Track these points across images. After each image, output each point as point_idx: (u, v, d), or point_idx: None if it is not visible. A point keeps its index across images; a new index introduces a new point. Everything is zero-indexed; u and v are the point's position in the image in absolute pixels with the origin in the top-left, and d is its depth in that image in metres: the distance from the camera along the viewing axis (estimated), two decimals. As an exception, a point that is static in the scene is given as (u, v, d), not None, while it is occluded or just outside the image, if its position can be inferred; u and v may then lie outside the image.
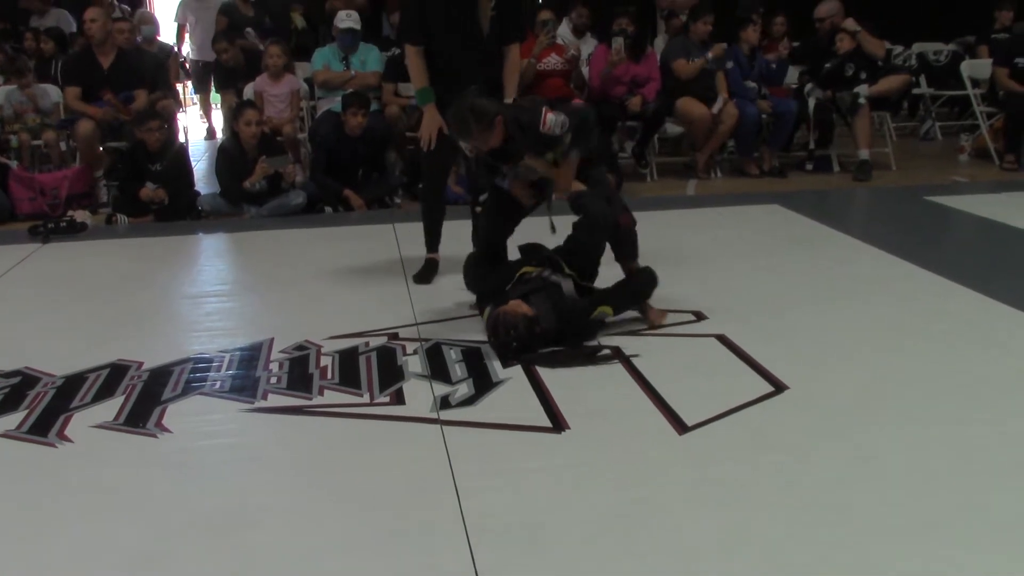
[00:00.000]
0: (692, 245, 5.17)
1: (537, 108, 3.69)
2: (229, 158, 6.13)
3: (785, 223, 5.70)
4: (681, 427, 2.87)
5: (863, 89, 7.24)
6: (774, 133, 7.49)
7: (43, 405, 3.17)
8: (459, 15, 4.34)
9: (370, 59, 7.07)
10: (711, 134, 7.27)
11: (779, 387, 3.16)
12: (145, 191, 6.12)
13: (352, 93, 6.50)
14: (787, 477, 2.56)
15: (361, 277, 4.58)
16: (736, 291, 4.26)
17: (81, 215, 6.09)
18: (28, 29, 8.43)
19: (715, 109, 7.15)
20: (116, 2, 9.76)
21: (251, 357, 3.56)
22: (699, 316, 3.90)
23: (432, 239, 4.71)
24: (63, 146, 6.93)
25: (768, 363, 3.35)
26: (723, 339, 3.63)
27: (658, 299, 4.08)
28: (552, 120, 3.64)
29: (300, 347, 3.65)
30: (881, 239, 5.07)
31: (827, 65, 7.51)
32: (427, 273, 4.61)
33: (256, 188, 6.05)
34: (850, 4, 7.83)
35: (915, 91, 8.85)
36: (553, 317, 3.57)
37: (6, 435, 2.96)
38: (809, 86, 7.51)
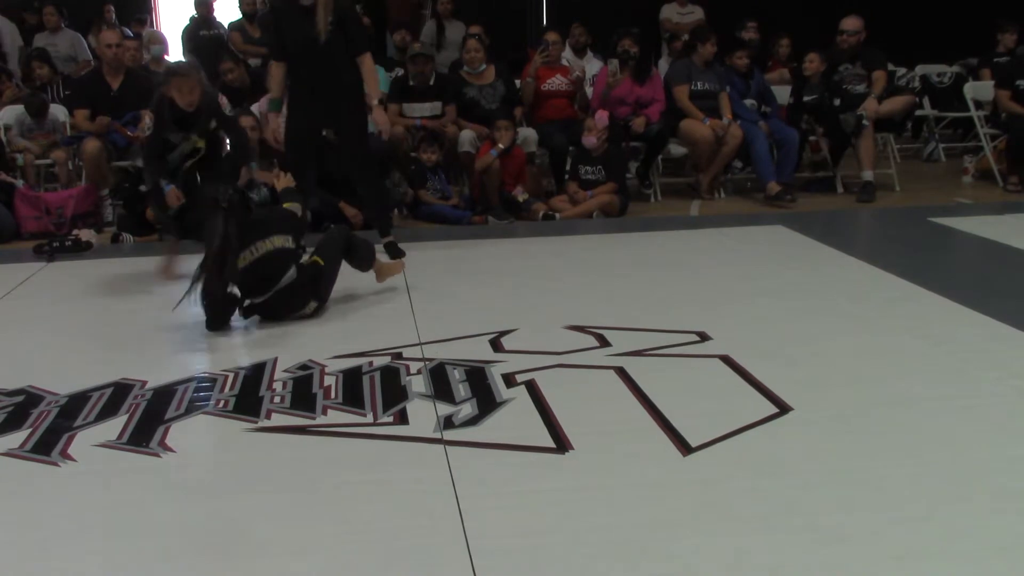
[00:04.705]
0: (695, 266, 5.18)
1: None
2: None
3: (789, 244, 5.70)
4: (685, 448, 2.87)
5: (866, 111, 7.26)
6: (780, 163, 7.41)
7: (46, 424, 3.16)
8: (303, 31, 5.04)
9: (375, 79, 7.10)
10: (715, 155, 7.29)
11: (783, 408, 3.16)
12: (171, 196, 6.12)
13: None
14: (791, 499, 2.55)
15: (364, 296, 4.59)
16: (740, 312, 4.26)
17: (86, 234, 6.10)
18: (34, 50, 8.46)
19: (724, 122, 7.14)
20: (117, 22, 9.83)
21: (255, 376, 3.56)
22: (703, 337, 3.90)
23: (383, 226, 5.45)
24: (70, 165, 6.96)
25: (772, 384, 3.35)
26: (727, 360, 3.62)
27: (661, 318, 4.09)
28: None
29: (304, 367, 3.65)
30: (885, 260, 5.07)
31: (806, 98, 7.54)
32: (395, 255, 5.27)
33: (258, 198, 6.06)
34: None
35: (918, 112, 8.87)
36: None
37: (9, 454, 2.96)
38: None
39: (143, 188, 4.84)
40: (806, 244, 5.66)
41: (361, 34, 5.32)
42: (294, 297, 4.20)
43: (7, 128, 7.01)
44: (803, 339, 3.88)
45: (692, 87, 7.35)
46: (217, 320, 4.12)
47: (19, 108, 7.09)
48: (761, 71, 8.03)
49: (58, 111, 7.16)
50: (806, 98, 7.59)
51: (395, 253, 5.33)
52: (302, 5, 5.07)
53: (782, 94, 7.89)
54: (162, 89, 4.77)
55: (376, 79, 5.30)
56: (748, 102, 7.50)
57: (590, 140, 6.75)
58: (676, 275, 4.98)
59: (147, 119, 4.67)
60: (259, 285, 4.15)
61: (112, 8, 10.03)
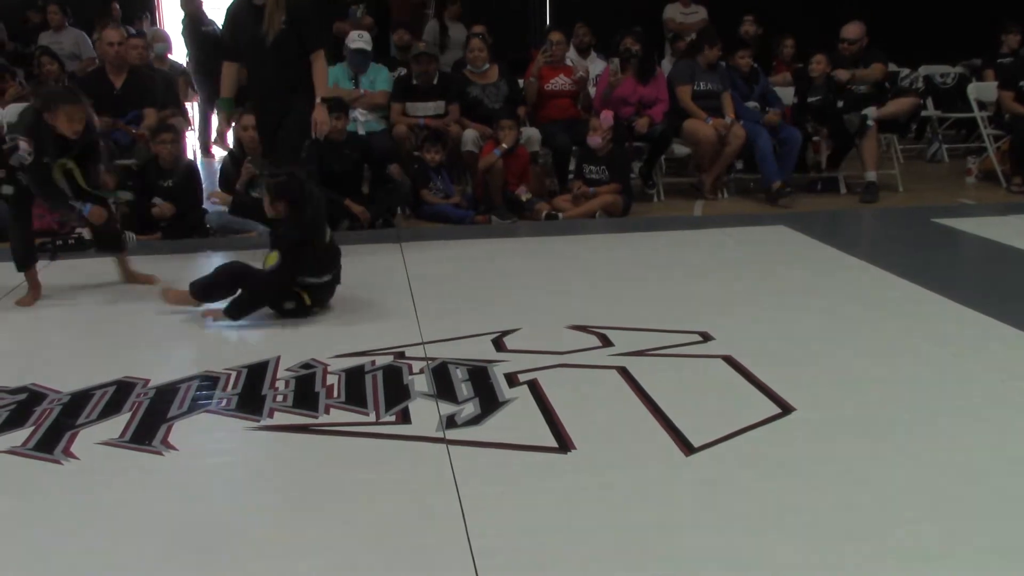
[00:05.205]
0: (698, 266, 5.18)
1: None
2: (232, 163, 6.26)
3: (792, 244, 5.70)
4: (688, 448, 2.87)
5: (871, 111, 7.26)
6: (782, 161, 7.42)
7: (49, 422, 3.17)
8: (252, 31, 5.11)
9: (379, 79, 7.11)
10: (718, 155, 7.28)
11: (786, 409, 3.15)
12: (158, 209, 6.14)
13: (331, 98, 6.57)
14: (793, 500, 2.55)
15: (367, 295, 4.59)
16: (743, 312, 4.26)
17: (89, 232, 6.09)
18: (37, 47, 8.47)
19: (726, 121, 7.14)
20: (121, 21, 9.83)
21: (257, 375, 3.57)
22: (705, 337, 3.90)
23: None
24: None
25: (774, 384, 3.34)
26: (729, 360, 3.62)
27: (663, 318, 4.09)
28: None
29: (306, 365, 3.65)
30: (888, 260, 5.06)
31: (810, 99, 7.54)
32: None
33: (256, 194, 6.07)
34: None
35: (922, 113, 8.87)
36: None
37: (12, 451, 2.96)
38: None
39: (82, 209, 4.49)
40: (809, 244, 5.65)
41: (314, 32, 5.28)
42: (335, 284, 4.39)
43: (10, 126, 7.00)
44: (805, 339, 3.88)
45: (695, 87, 7.34)
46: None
47: (21, 105, 7.08)
48: (766, 73, 8.02)
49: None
50: (810, 99, 7.59)
51: None
52: (255, 5, 5.09)
53: (786, 95, 7.89)
54: (45, 114, 4.38)
55: (325, 78, 5.29)
56: (751, 104, 7.50)
57: (595, 140, 6.75)
58: (679, 275, 4.98)
59: (23, 144, 4.27)
60: (331, 263, 4.31)
61: (118, 6, 10.04)
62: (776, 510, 2.50)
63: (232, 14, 5.32)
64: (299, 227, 4.17)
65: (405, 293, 4.66)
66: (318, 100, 5.20)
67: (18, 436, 3.06)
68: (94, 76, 7.06)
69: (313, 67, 5.19)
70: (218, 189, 6.31)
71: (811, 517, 2.46)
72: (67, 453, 2.94)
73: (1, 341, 4.14)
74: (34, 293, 4.65)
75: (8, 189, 4.52)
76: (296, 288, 4.21)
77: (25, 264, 4.63)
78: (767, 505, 2.53)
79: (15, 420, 3.19)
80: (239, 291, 4.20)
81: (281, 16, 5.05)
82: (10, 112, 7.05)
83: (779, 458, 2.80)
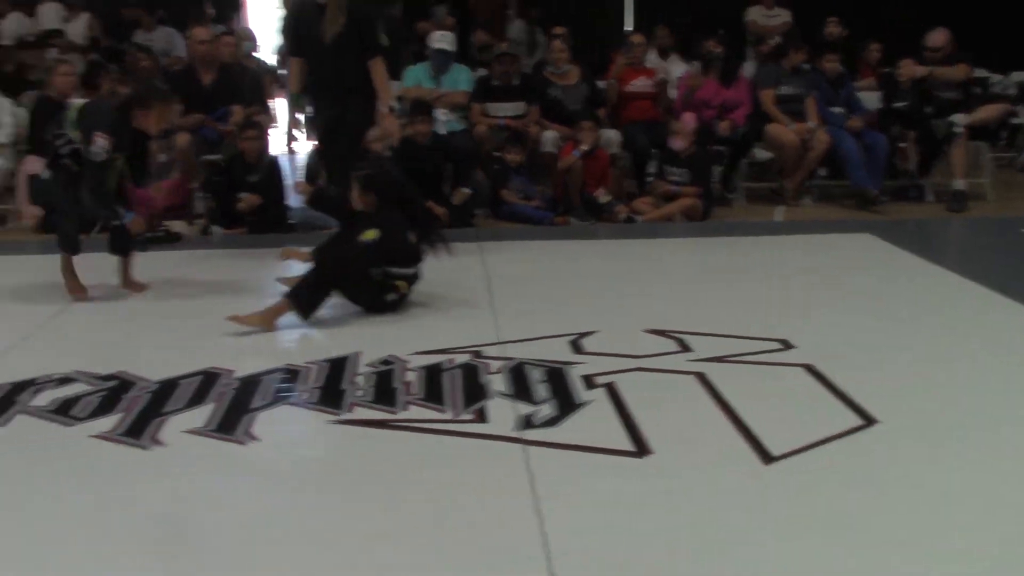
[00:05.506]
0: (779, 272, 5.11)
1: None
2: (317, 157, 6.38)
3: (876, 253, 5.59)
4: (766, 457, 2.83)
5: (959, 118, 7.08)
6: (869, 169, 7.23)
7: (138, 409, 3.26)
8: (313, 29, 5.14)
9: (461, 79, 7.15)
10: (801, 160, 7.18)
11: (869, 420, 3.10)
12: (244, 202, 6.27)
13: (415, 103, 6.65)
14: (874, 512, 2.51)
15: (446, 294, 4.62)
16: (824, 321, 4.19)
17: (178, 225, 6.27)
18: (132, 44, 8.71)
19: (810, 125, 7.04)
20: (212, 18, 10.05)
21: (338, 370, 3.62)
22: (786, 345, 3.85)
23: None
24: (163, 157, 7.13)
25: (857, 395, 3.28)
26: (810, 369, 3.57)
27: (743, 324, 4.05)
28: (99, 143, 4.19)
29: (386, 361, 3.70)
30: (975, 271, 4.93)
31: (896, 105, 7.38)
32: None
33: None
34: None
35: (1014, 120, 8.61)
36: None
37: (102, 436, 3.05)
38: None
39: (115, 223, 4.46)
40: (894, 253, 5.54)
41: (373, 37, 5.31)
42: (419, 278, 4.49)
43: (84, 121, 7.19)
44: (889, 350, 3.80)
45: (778, 91, 7.25)
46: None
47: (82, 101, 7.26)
48: (852, 78, 7.87)
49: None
50: (896, 104, 7.43)
51: None
52: (318, 3, 5.13)
53: (870, 100, 7.74)
54: (137, 110, 4.39)
55: (387, 85, 5.28)
56: (836, 109, 7.37)
57: (678, 143, 6.70)
58: (759, 281, 4.92)
59: (102, 140, 4.20)
60: (417, 256, 4.42)
61: (211, 4, 10.26)
62: (856, 522, 2.45)
63: (295, 11, 5.39)
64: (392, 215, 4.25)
65: (484, 293, 4.69)
66: (385, 109, 5.22)
67: (108, 422, 3.16)
68: (184, 73, 7.24)
69: (373, 73, 5.20)
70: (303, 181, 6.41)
71: (892, 530, 2.41)
72: (155, 440, 3.02)
73: (91, 330, 4.27)
74: (79, 285, 4.59)
75: (47, 174, 4.49)
76: (391, 280, 4.28)
77: (78, 247, 4.55)
78: (847, 517, 2.48)
79: (105, 406, 3.29)
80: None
81: (342, 18, 5.09)
82: (74, 105, 7.26)
83: (861, 470, 2.75)
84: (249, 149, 6.33)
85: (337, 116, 5.32)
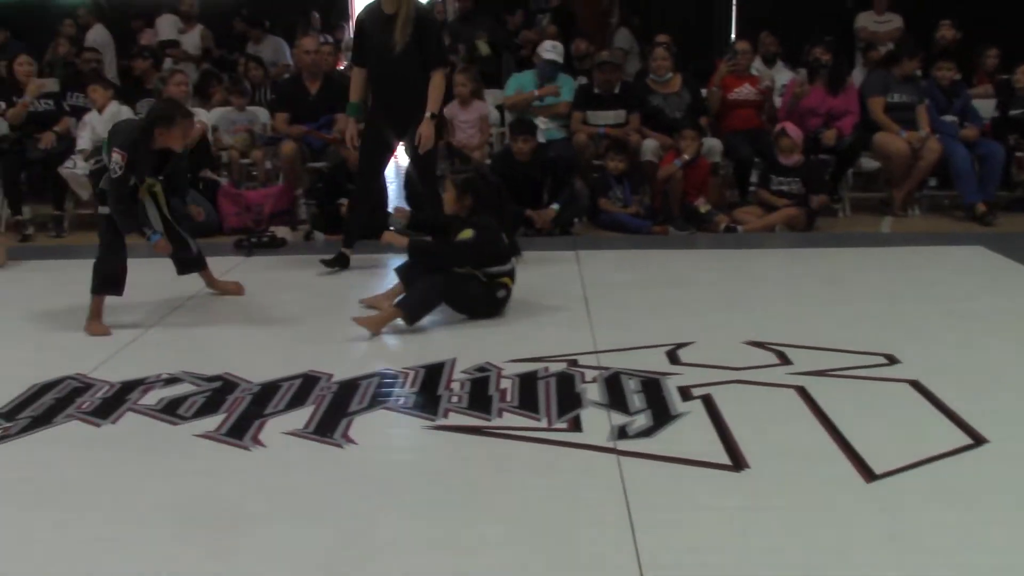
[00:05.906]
0: (885, 285, 4.96)
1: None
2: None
3: (988, 266, 5.39)
4: (869, 475, 2.76)
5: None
6: (983, 180, 6.96)
7: (241, 410, 3.35)
8: (381, 41, 5.13)
9: (564, 88, 7.15)
10: (910, 170, 6.97)
11: (977, 440, 2.99)
12: (346, 208, 6.37)
13: (517, 120, 6.66)
14: (981, 535, 2.42)
15: (542, 302, 4.63)
16: (932, 336, 4.06)
17: (282, 231, 6.42)
18: (243, 55, 8.97)
19: (921, 134, 6.83)
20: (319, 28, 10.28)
21: (434, 375, 3.66)
22: (891, 360, 3.74)
23: (350, 236, 5.48)
24: (268, 164, 7.33)
25: (965, 414, 3.17)
26: (917, 385, 3.46)
27: (846, 338, 3.95)
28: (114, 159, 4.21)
29: (481, 368, 3.72)
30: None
31: (1012, 112, 7.09)
32: (335, 262, 5.41)
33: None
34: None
35: None
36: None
37: (206, 435, 3.14)
38: None
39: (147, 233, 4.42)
40: (1008, 267, 5.33)
41: (437, 51, 5.29)
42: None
43: (214, 128, 7.45)
44: (1000, 368, 3.67)
45: (888, 99, 7.05)
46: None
47: (225, 109, 7.52)
48: (967, 87, 7.60)
49: (262, 113, 7.55)
50: (1012, 112, 7.16)
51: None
52: (386, 13, 5.13)
53: (986, 107, 7.47)
54: (158, 130, 4.32)
55: (439, 94, 5.20)
56: (949, 118, 7.13)
57: (791, 160, 6.59)
58: (864, 294, 4.79)
59: (117, 156, 4.17)
60: (509, 254, 4.50)
61: (317, 15, 10.49)
62: (962, 545, 2.37)
63: (361, 20, 5.41)
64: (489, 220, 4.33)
65: (580, 301, 4.67)
66: (427, 115, 5.14)
67: (212, 422, 3.25)
68: (291, 83, 7.43)
69: (431, 82, 5.15)
70: (402, 205, 6.49)
71: (1001, 556, 2.32)
72: (255, 440, 3.10)
73: (198, 332, 4.40)
74: (99, 322, 4.37)
75: (105, 210, 4.41)
76: (496, 279, 4.36)
77: (104, 288, 4.37)
78: (952, 539, 2.40)
79: (210, 406, 3.39)
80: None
81: (409, 29, 5.09)
82: (214, 115, 7.51)
83: (969, 491, 2.66)
84: (352, 157, 6.43)
85: (398, 128, 5.30)
